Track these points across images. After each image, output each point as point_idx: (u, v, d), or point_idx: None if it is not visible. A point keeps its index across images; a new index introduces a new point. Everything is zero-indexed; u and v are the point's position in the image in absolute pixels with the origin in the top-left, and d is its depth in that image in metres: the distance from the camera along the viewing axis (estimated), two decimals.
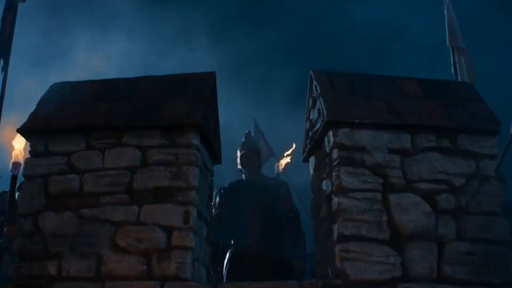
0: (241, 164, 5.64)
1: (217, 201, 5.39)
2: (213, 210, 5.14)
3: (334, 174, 3.59)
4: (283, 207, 5.14)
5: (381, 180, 3.57)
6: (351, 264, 3.33)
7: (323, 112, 3.78)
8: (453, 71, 6.30)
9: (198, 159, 3.67)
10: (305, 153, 4.29)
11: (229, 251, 5.07)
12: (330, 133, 3.70)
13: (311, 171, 4.22)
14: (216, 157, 4.26)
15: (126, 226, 3.47)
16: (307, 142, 4.22)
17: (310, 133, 4.13)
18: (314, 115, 4.08)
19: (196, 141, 3.68)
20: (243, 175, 5.66)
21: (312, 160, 4.21)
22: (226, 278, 4.96)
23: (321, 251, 3.81)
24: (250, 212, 5.05)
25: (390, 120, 3.74)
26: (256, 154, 5.67)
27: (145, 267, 3.36)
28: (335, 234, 3.43)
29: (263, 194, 5.18)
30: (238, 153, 5.73)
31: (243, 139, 5.83)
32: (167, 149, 3.66)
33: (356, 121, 3.68)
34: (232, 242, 5.15)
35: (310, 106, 4.21)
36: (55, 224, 3.52)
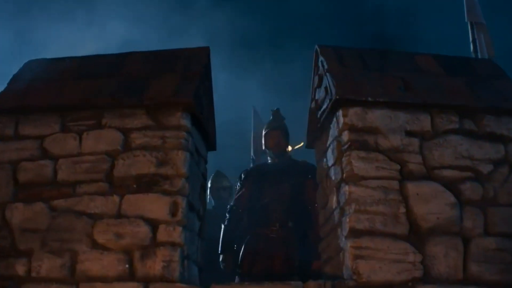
0: (265, 144, 5.04)
1: (238, 184, 4.96)
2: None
3: (344, 159, 3.14)
4: (310, 196, 4.38)
5: (398, 167, 3.12)
6: (365, 263, 2.88)
7: (330, 90, 3.33)
8: (472, 49, 5.83)
9: (188, 142, 3.21)
10: (310, 138, 3.83)
11: (246, 241, 4.51)
12: (339, 113, 3.24)
13: (316, 157, 3.76)
14: (210, 143, 3.80)
15: (105, 219, 3.02)
16: (312, 125, 3.76)
17: (316, 115, 3.67)
18: (320, 94, 3.62)
19: (186, 122, 3.22)
20: (268, 158, 5.04)
21: (318, 145, 3.75)
22: (237, 273, 4.51)
23: (328, 248, 3.36)
24: (272, 198, 4.50)
25: (407, 99, 3.29)
26: (282, 133, 4.94)
27: (126, 266, 2.91)
28: (346, 228, 2.98)
29: (288, 179, 4.59)
30: (263, 132, 5.11)
31: (271, 117, 5.16)
32: (153, 131, 3.21)
33: (369, 99, 3.22)
34: (249, 233, 4.59)
35: (315, 85, 3.75)
36: (24, 216, 3.07)
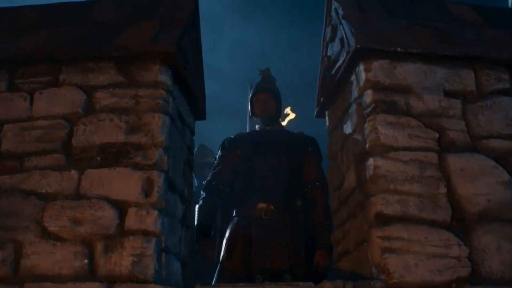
0: (251, 110, 4.02)
1: (217, 156, 3.93)
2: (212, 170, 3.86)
3: (367, 126, 2.45)
4: (309, 172, 3.59)
5: (436, 135, 2.44)
6: (396, 258, 2.20)
7: (347, 41, 2.64)
8: (510, 4, 5.13)
9: (168, 104, 2.53)
10: (320, 105, 3.13)
11: (229, 226, 3.52)
12: (360, 67, 2.55)
13: (329, 127, 3.07)
14: (198, 110, 3.11)
15: (59, 200, 2.34)
16: (323, 88, 3.07)
17: (328, 75, 2.98)
18: (334, 48, 2.93)
19: (165, 78, 2.54)
20: (257, 126, 4.01)
21: (331, 112, 3.05)
22: (219, 267, 3.42)
23: (345, 239, 2.68)
24: (262, 174, 3.53)
25: (445, 50, 2.59)
26: (271, 95, 3.89)
27: (85, 261, 2.23)
28: (371, 214, 2.30)
29: (282, 151, 3.62)
30: (249, 96, 4.10)
31: (259, 79, 4.11)
32: (124, 89, 2.52)
33: (399, 49, 2.53)
34: (234, 214, 3.57)
35: (327, 39, 3.05)
36: None
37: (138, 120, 2.45)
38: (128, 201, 2.31)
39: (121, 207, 2.31)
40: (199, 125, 3.22)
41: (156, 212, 2.29)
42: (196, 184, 5.33)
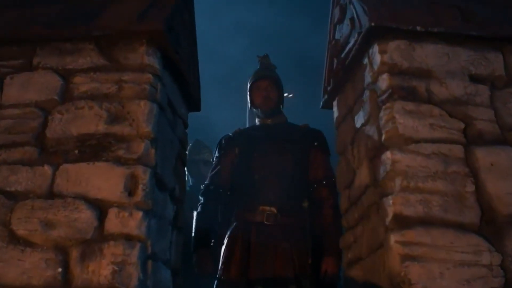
0: (251, 100, 3.58)
1: (214, 157, 3.57)
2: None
3: (383, 114, 2.15)
4: (315, 169, 3.22)
5: (462, 125, 2.14)
6: (418, 267, 1.90)
7: (359, 20, 2.34)
8: None
9: (156, 91, 2.22)
10: (327, 93, 2.82)
11: (228, 231, 3.19)
12: (375, 49, 2.25)
13: (337, 118, 2.76)
14: (193, 100, 2.81)
15: (30, 200, 2.04)
16: (331, 76, 2.76)
17: (336, 60, 2.68)
18: (343, 31, 2.63)
19: (153, 61, 2.23)
20: (257, 119, 3.61)
21: (339, 101, 2.75)
22: (216, 281, 3.10)
23: (357, 243, 2.38)
24: (263, 173, 3.20)
25: (470, 30, 2.29)
26: (272, 83, 3.48)
27: (58, 270, 1.93)
28: (388, 215, 2.00)
29: (285, 147, 3.27)
30: (248, 85, 3.62)
31: (258, 66, 3.67)
32: (106, 73, 2.22)
33: (418, 28, 2.23)
34: (233, 219, 3.24)
35: (335, 20, 2.75)
36: None
37: (122, 108, 2.15)
38: (108, 201, 2.01)
39: (100, 208, 2.01)
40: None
41: (140, 214, 1.99)
42: (191, 183, 4.98)
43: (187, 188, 4.86)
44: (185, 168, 4.92)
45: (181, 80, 2.59)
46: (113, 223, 1.97)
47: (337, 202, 2.82)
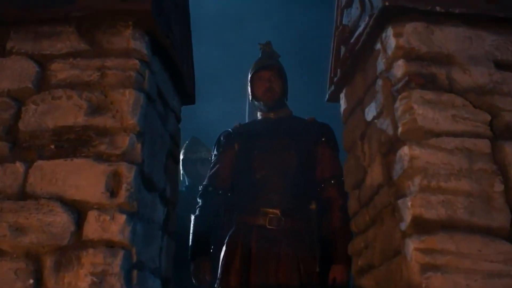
0: (252, 92, 3.29)
1: (213, 155, 3.32)
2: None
3: (399, 105, 1.90)
4: (323, 167, 2.98)
5: (488, 117, 1.89)
6: (442, 278, 1.65)
7: (370, 1, 2.10)
8: None
9: (143, 79, 1.98)
10: (334, 84, 2.58)
11: (227, 236, 2.97)
12: (389, 32, 2.01)
13: (345, 112, 2.52)
14: (186, 92, 2.56)
15: None
16: (338, 64, 2.52)
17: (344, 47, 2.43)
18: (351, 15, 2.39)
19: (140, 46, 1.99)
20: (258, 113, 3.34)
21: (347, 93, 2.50)
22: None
23: (369, 250, 2.13)
24: (266, 172, 2.96)
25: (495, 11, 2.05)
26: (276, 74, 3.22)
27: (30, 282, 1.69)
28: (407, 218, 1.76)
29: (290, 143, 3.01)
30: (249, 76, 3.34)
31: (259, 55, 3.40)
32: (87, 59, 1.98)
33: (437, 8, 1.99)
34: (233, 223, 3.01)
35: (343, 4, 2.51)
36: None
37: (104, 97, 1.91)
38: (87, 202, 1.77)
39: (78, 210, 1.77)
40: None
41: (124, 217, 1.75)
42: (188, 183, 4.73)
43: (183, 189, 4.63)
44: (181, 167, 4.76)
45: (173, 69, 2.35)
46: (92, 227, 1.73)
47: (346, 205, 2.56)
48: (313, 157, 2.99)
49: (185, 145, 4.83)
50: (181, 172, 4.77)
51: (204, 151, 4.66)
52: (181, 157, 4.73)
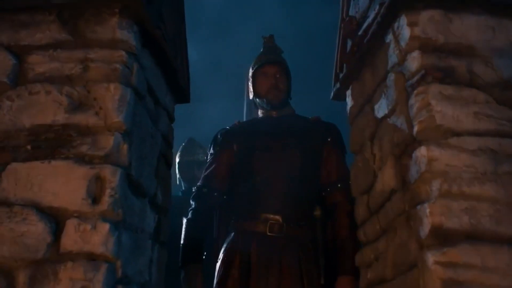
0: (254, 89, 3.06)
1: (209, 154, 3.07)
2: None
3: (415, 101, 1.71)
4: (329, 170, 2.75)
5: None
6: None
7: None
8: None
9: (131, 72, 1.79)
10: (340, 81, 2.39)
11: (223, 246, 2.75)
12: (402, 21, 1.82)
13: (351, 111, 2.32)
14: (180, 90, 2.37)
15: None
16: (344, 59, 2.33)
17: (351, 41, 2.25)
18: (359, 5, 2.21)
19: (127, 36, 1.80)
20: (259, 111, 3.10)
21: (354, 90, 2.31)
22: None
23: (381, 262, 1.93)
24: (267, 174, 2.73)
25: None
26: (284, 70, 3.00)
27: None
28: (425, 228, 1.56)
29: (293, 144, 2.79)
30: (250, 71, 3.10)
31: (261, 49, 3.15)
32: (68, 51, 1.79)
33: None
34: (231, 229, 2.79)
35: None
36: None
37: (87, 93, 1.71)
38: (66, 210, 1.58)
39: (56, 219, 1.58)
40: None
41: (107, 226, 1.55)
42: (184, 188, 4.52)
43: (179, 194, 4.43)
44: (177, 170, 4.55)
45: (166, 65, 2.16)
46: (71, 238, 1.54)
47: (353, 211, 2.35)
48: (318, 158, 2.79)
49: (181, 147, 4.63)
50: (177, 176, 4.57)
51: (202, 154, 4.45)
52: (177, 160, 4.53)
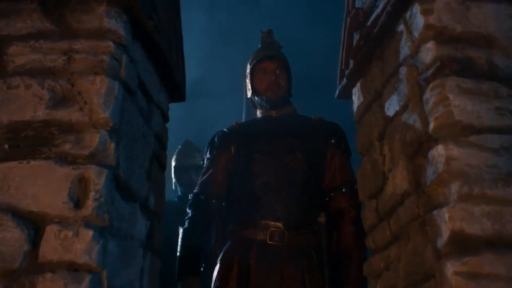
0: (252, 86, 2.90)
1: (206, 158, 2.92)
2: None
3: (430, 96, 1.57)
4: (332, 173, 2.61)
5: None
6: None
7: None
8: None
9: (120, 65, 1.64)
10: (346, 77, 2.24)
11: (221, 254, 2.61)
12: (415, 9, 1.67)
13: (358, 109, 2.17)
14: (175, 87, 2.23)
15: None
16: (350, 54, 2.18)
17: (358, 33, 2.10)
18: None
19: (116, 26, 1.65)
20: (258, 111, 2.96)
21: (361, 86, 2.16)
22: None
23: (391, 273, 1.77)
24: (267, 178, 2.60)
25: None
26: (284, 66, 2.87)
27: None
28: (443, 234, 1.41)
29: (295, 146, 2.65)
30: (248, 67, 2.95)
31: (259, 45, 3.03)
32: (51, 42, 1.64)
33: None
34: (229, 237, 2.67)
35: None
36: None
37: (71, 87, 1.56)
38: (46, 215, 1.42)
39: (35, 225, 1.42)
40: None
41: (91, 233, 1.40)
42: (180, 193, 4.36)
43: (175, 199, 4.28)
44: (172, 175, 4.40)
45: (160, 60, 2.01)
46: (51, 246, 1.38)
47: (359, 216, 2.19)
48: (321, 161, 2.64)
49: (177, 150, 4.48)
50: (173, 180, 4.42)
51: (199, 157, 4.29)
52: (173, 163, 4.38)
